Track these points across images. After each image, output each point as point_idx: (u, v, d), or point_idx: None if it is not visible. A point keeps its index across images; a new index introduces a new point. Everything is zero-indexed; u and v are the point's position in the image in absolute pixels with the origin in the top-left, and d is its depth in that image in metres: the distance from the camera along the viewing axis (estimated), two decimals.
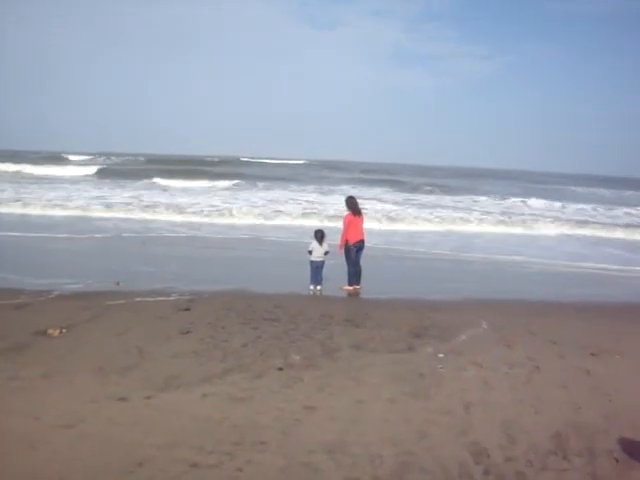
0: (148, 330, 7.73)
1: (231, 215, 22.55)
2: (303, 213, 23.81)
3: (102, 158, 73.05)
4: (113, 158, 73.75)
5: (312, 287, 10.95)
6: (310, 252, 11.08)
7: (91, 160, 68.48)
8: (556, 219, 26.84)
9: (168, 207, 23.08)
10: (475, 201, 35.90)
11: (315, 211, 24.56)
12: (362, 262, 11.35)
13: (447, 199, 36.58)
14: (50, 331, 7.48)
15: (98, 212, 21.82)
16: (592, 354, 7.50)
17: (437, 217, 24.75)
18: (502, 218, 25.85)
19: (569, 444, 4.96)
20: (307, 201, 29.36)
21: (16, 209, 22.09)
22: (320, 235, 11.14)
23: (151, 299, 9.42)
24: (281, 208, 25.00)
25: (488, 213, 27.74)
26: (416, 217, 24.42)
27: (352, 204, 11.51)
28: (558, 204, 35.89)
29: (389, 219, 23.28)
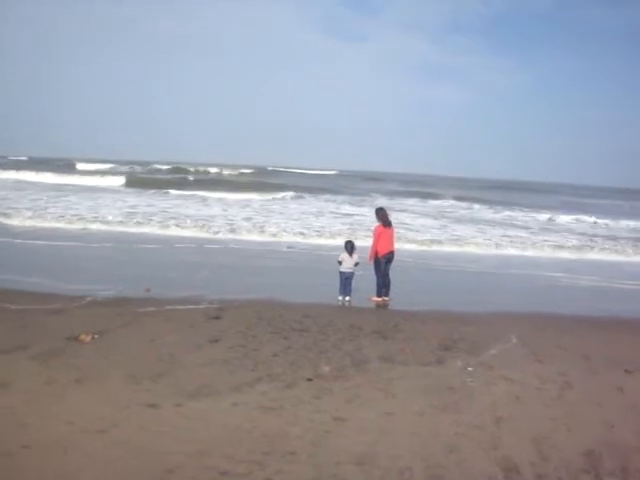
0: (179, 338, 7.81)
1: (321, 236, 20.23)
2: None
3: (126, 167, 72.99)
4: (136, 167, 74.19)
5: (341, 298, 10.95)
6: (340, 262, 11.10)
7: (113, 169, 68.60)
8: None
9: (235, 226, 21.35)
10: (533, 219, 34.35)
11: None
12: (391, 273, 11.32)
13: (500, 214, 35.69)
14: (82, 337, 7.60)
15: (174, 230, 20.09)
16: (626, 371, 7.37)
17: (487, 239, 22.09)
18: (583, 243, 23.14)
19: (602, 463, 4.88)
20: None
21: (82, 225, 20.11)
22: (350, 246, 11.15)
23: (181, 307, 9.51)
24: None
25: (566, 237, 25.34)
26: (469, 240, 21.51)
27: (382, 215, 11.51)
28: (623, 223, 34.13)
29: (434, 242, 20.54)
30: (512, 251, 20.23)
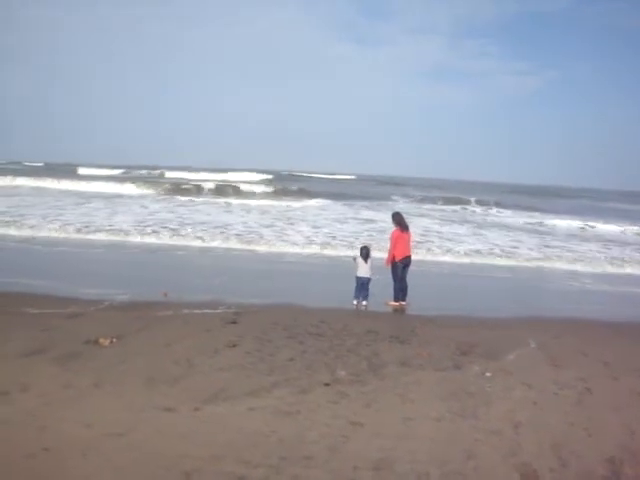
0: (196, 342, 7.83)
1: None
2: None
3: (142, 171, 73.98)
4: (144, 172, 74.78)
5: (355, 302, 10.95)
6: (354, 260, 11.25)
7: (126, 174, 69.00)
8: None
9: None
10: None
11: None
12: (408, 278, 11.29)
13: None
14: (101, 340, 7.64)
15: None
16: None
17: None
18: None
19: (623, 470, 4.81)
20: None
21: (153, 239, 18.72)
22: (365, 252, 11.16)
23: (198, 311, 9.54)
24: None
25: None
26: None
27: (399, 220, 11.49)
28: None
29: (467, 254, 18.70)
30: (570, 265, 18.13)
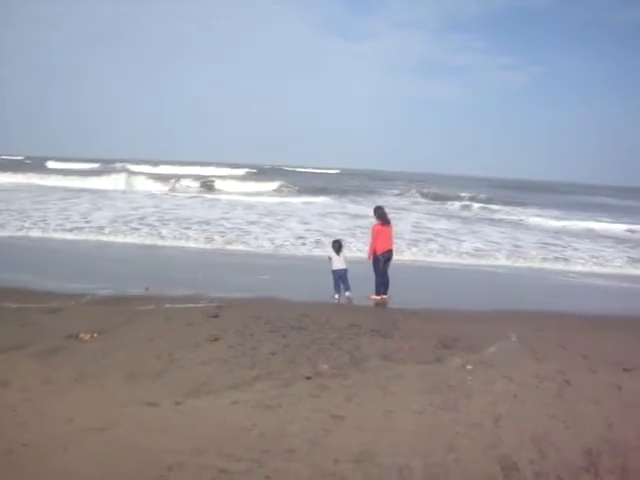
0: (177, 336, 7.80)
1: None
2: None
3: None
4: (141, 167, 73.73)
5: (337, 296, 10.98)
6: (330, 259, 11.27)
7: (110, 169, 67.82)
8: None
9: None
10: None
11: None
12: (390, 271, 11.32)
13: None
14: (82, 335, 7.60)
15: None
16: (625, 370, 7.35)
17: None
18: None
19: (601, 461, 4.87)
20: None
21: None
22: (337, 246, 11.26)
23: (180, 305, 9.50)
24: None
25: None
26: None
27: (381, 214, 11.50)
28: None
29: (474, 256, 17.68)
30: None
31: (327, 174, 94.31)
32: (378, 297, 11.12)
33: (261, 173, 76.13)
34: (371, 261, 11.30)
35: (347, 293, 11.04)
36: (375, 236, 11.31)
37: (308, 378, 6.47)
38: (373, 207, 12.12)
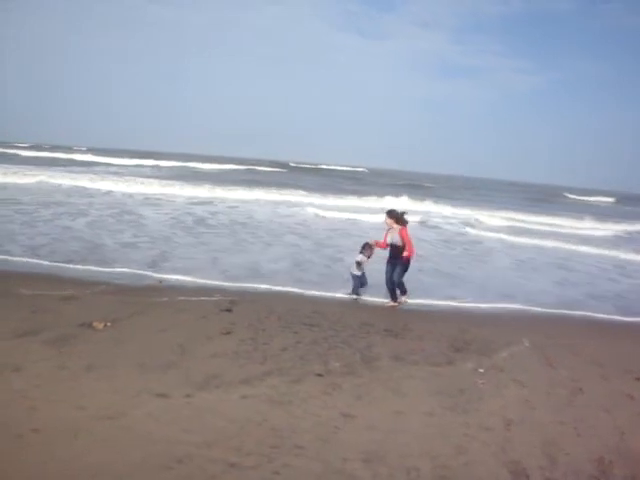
0: (190, 329, 7.83)
1: None
2: None
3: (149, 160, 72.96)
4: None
5: (355, 297, 10.88)
6: (359, 264, 11.05)
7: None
8: None
9: None
10: None
11: None
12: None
13: None
14: (95, 324, 7.64)
15: None
16: (637, 379, 7.30)
17: None
18: None
19: (612, 470, 4.84)
20: None
21: None
22: (365, 247, 11.10)
23: (194, 298, 9.53)
24: None
25: None
26: None
27: (400, 217, 11.11)
28: None
29: None
30: None
31: (357, 172, 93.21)
32: (395, 303, 10.84)
33: (295, 170, 75.25)
34: (407, 262, 10.99)
35: (361, 288, 11.01)
36: (409, 239, 10.91)
37: (319, 375, 6.47)
38: (387, 210, 11.62)
